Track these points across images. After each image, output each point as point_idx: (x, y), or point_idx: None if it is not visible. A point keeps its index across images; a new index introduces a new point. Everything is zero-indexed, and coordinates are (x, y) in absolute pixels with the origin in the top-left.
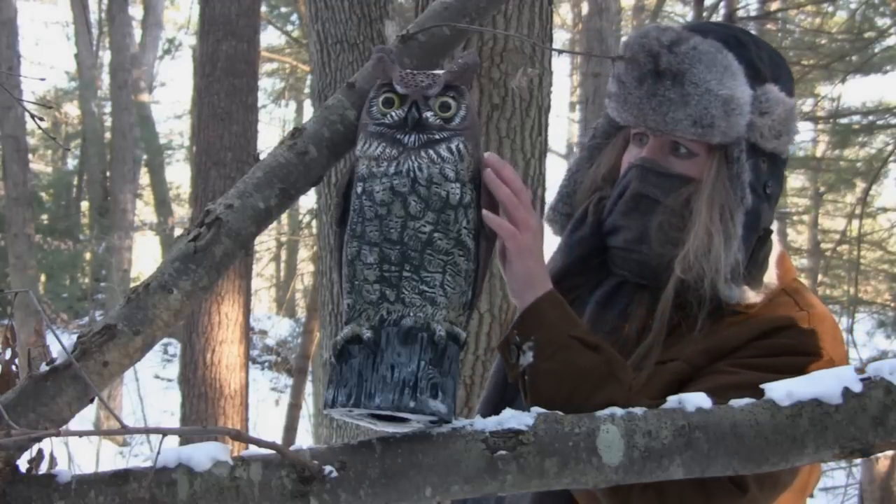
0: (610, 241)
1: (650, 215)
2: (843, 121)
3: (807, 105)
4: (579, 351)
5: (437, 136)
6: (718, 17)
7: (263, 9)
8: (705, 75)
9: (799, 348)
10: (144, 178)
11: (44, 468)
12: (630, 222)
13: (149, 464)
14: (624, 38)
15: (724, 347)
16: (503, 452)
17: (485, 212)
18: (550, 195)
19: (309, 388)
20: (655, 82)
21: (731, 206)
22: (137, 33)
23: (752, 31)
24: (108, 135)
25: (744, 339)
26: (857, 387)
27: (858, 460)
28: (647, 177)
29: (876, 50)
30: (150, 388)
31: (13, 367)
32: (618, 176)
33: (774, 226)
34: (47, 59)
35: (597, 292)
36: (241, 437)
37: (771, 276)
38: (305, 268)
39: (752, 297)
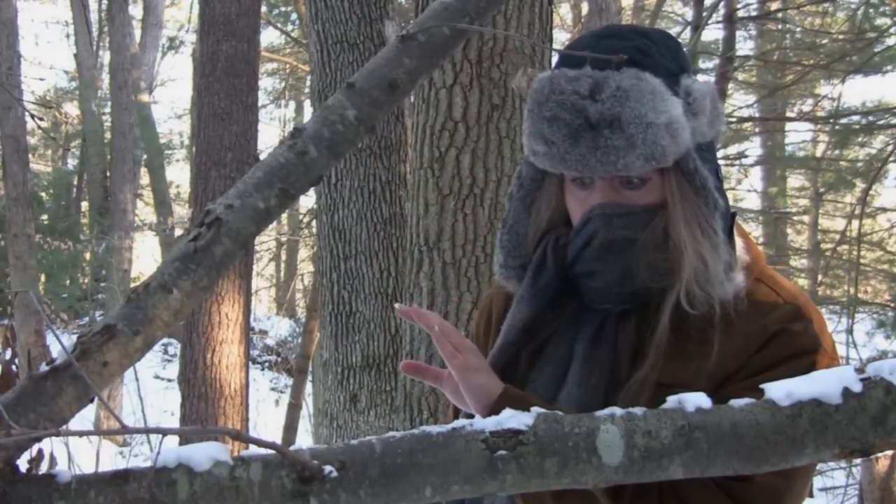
0: (586, 282)
1: (626, 254)
2: (843, 121)
3: (807, 105)
4: None
5: None
6: (718, 16)
7: (263, 9)
8: (640, 109)
9: (797, 351)
10: (144, 178)
11: (44, 468)
12: (606, 266)
13: (149, 464)
14: (528, 87)
15: (727, 371)
16: (503, 452)
17: (435, 337)
18: None
19: (309, 388)
20: (594, 136)
21: (707, 217)
22: (137, 33)
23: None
24: (108, 135)
25: (742, 359)
26: (856, 387)
27: (858, 460)
28: (612, 221)
29: (876, 50)
30: (150, 388)
31: (13, 367)
32: (563, 216)
33: None
34: (47, 59)
35: (583, 332)
36: (241, 437)
37: (738, 246)
38: (305, 268)
39: (741, 278)
